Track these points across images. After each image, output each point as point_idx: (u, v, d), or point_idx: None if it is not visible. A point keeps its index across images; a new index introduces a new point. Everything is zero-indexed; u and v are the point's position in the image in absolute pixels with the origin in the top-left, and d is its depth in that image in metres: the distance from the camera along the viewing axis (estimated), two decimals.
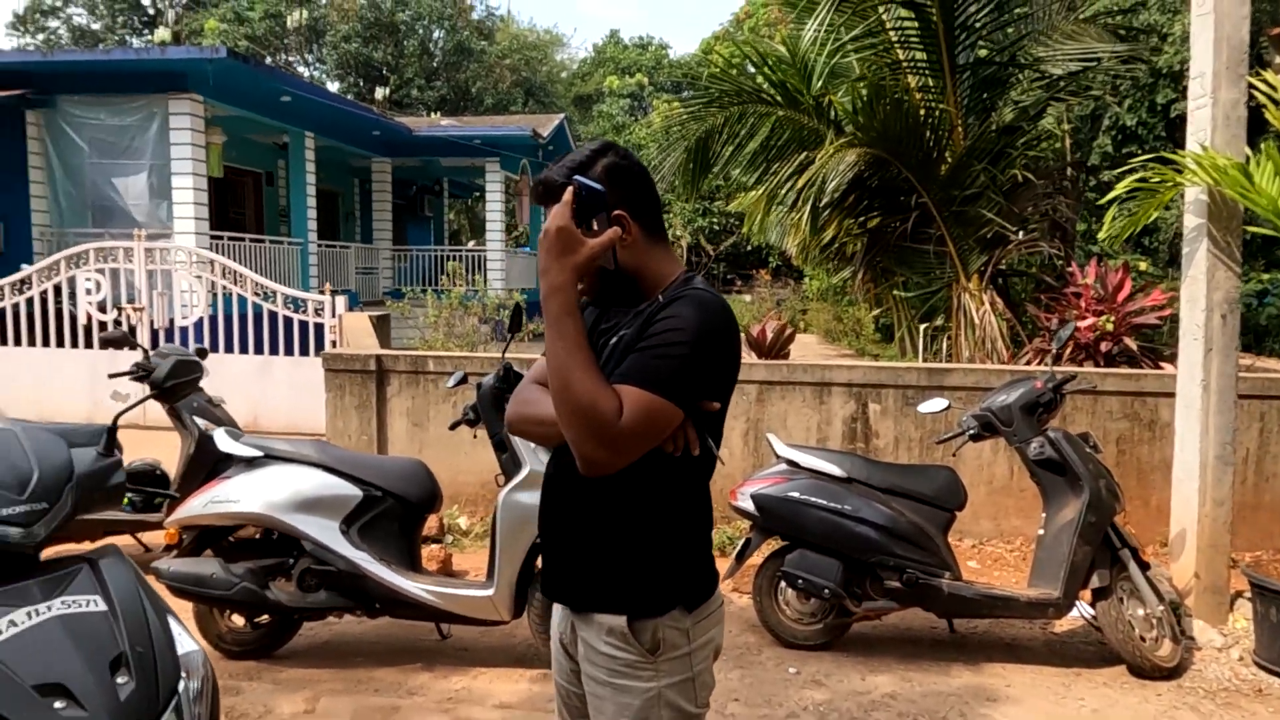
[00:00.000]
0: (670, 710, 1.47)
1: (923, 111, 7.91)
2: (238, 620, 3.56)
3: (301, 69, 32.05)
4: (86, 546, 4.64)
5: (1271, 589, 3.48)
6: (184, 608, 3.54)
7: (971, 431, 3.87)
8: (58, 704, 1.28)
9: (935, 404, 4.01)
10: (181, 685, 1.44)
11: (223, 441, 3.62)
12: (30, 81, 10.76)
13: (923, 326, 9.35)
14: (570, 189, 1.41)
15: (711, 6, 69.47)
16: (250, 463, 3.53)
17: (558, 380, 1.35)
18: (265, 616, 3.51)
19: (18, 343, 7.79)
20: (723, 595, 1.63)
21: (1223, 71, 3.83)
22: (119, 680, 1.36)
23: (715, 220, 24.48)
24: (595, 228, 1.42)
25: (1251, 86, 3.72)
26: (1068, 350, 7.08)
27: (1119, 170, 4.56)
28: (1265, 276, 13.25)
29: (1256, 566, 3.69)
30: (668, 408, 1.36)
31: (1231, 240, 3.91)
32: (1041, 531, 3.73)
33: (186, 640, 1.53)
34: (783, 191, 8.65)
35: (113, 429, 1.95)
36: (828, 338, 19.15)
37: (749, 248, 24.61)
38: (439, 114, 23.62)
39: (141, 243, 7.92)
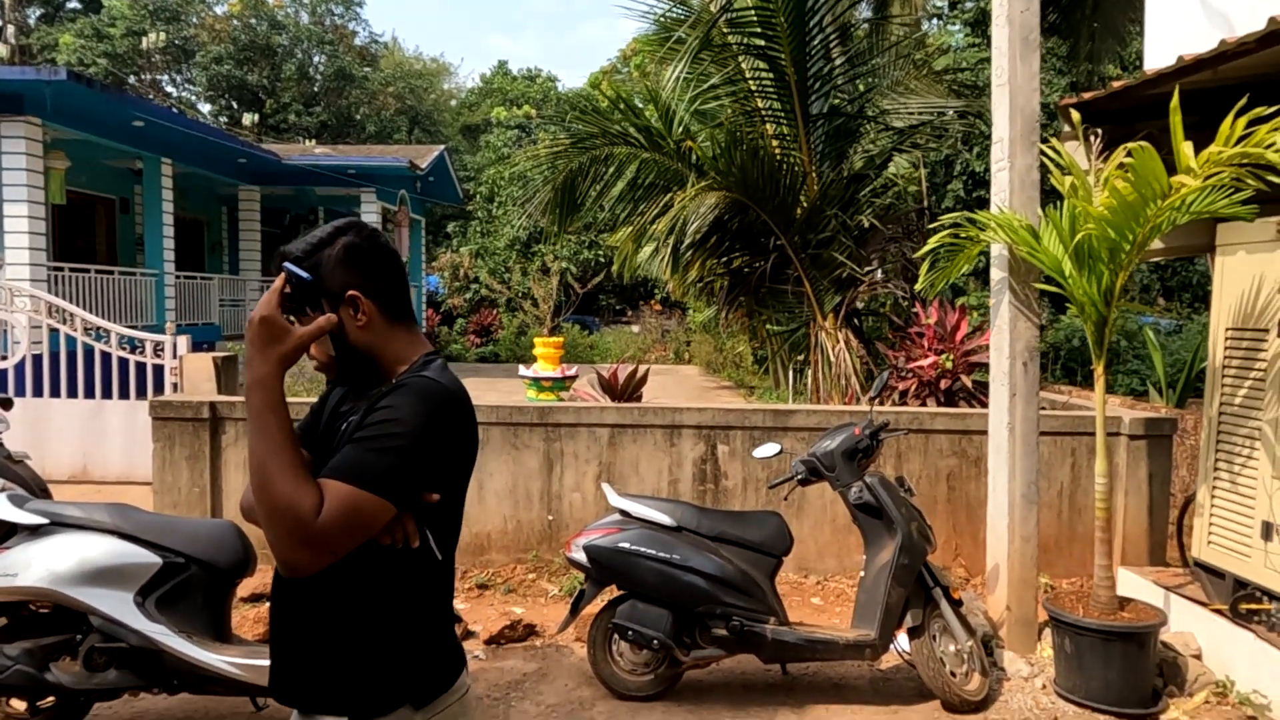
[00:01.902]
0: None
1: (779, 157, 8.25)
2: (17, 704, 3.25)
3: (170, 89, 30.52)
4: None
5: (1064, 620, 3.72)
6: None
7: (800, 476, 4.00)
8: None
9: (768, 449, 4.13)
10: None
11: (2, 508, 3.32)
12: None
13: (794, 360, 9.68)
14: (281, 276, 1.38)
15: (602, 41, 70.71)
16: (35, 530, 3.26)
17: (257, 479, 1.29)
18: (47, 699, 3.22)
19: None
20: (467, 684, 1.59)
21: (1018, 139, 4.16)
22: None
23: (601, 253, 24.67)
24: (309, 314, 1.38)
25: (1042, 153, 4.04)
26: (908, 387, 7.46)
27: (931, 226, 4.86)
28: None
29: (1056, 599, 3.93)
30: (374, 502, 1.32)
31: (1030, 294, 4.22)
32: (863, 573, 3.87)
33: None
34: (650, 229, 8.81)
35: None
36: (709, 369, 19.53)
37: (637, 279, 24.91)
38: (315, 141, 22.93)
39: None
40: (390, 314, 1.53)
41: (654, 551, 3.66)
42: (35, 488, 4.15)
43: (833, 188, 8.29)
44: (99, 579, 3.13)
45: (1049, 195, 4.32)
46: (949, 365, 7.52)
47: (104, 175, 13.70)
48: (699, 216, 8.05)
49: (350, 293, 1.47)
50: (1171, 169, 3.33)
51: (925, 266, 4.39)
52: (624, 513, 3.84)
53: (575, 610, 3.83)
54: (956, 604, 3.83)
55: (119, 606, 3.12)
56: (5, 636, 3.16)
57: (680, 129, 8.36)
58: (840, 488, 3.89)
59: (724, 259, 9.00)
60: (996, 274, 4.30)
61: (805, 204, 8.30)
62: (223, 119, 28.94)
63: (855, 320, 8.97)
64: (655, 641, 3.60)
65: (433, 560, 1.46)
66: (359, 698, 1.42)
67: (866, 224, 8.27)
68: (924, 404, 7.36)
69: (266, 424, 1.32)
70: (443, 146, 19.23)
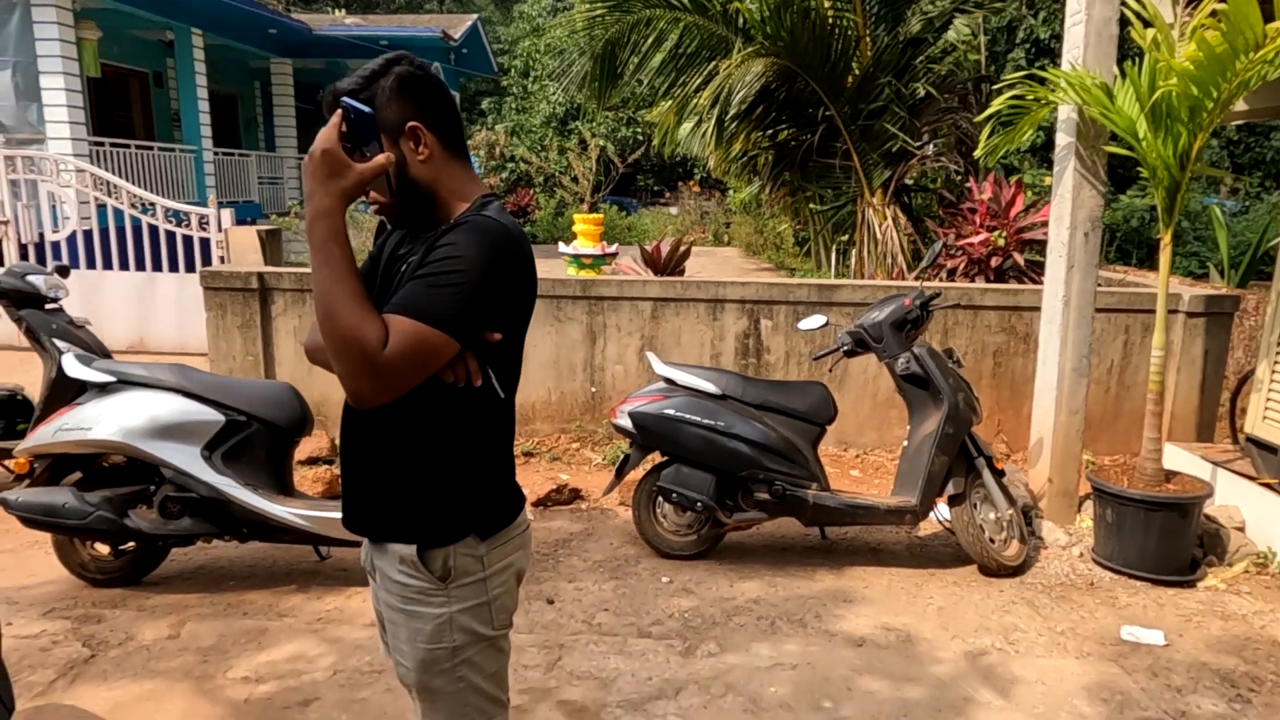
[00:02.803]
0: (463, 633, 1.50)
1: (831, 20, 7.80)
2: (101, 549, 3.48)
3: None
4: None
5: (1108, 491, 3.73)
6: (44, 538, 3.46)
7: (846, 348, 3.96)
8: None
9: (814, 321, 4.08)
10: None
11: (71, 366, 3.45)
12: None
13: (837, 240, 9.46)
14: (339, 111, 1.34)
15: None
16: (104, 388, 3.38)
17: (322, 309, 1.30)
18: (130, 545, 3.43)
19: None
20: (528, 520, 1.65)
21: None
22: None
23: (640, 130, 23.97)
24: (366, 154, 1.35)
25: (1123, 4, 3.74)
26: (956, 265, 7.28)
27: (995, 87, 4.59)
28: None
29: (1100, 471, 3.93)
30: (438, 339, 1.32)
31: (1097, 159, 4.01)
32: (906, 443, 3.89)
33: None
34: (693, 102, 8.49)
35: None
36: (749, 251, 19.23)
37: (676, 159, 24.27)
38: (345, 11, 22.18)
39: (1, 149, 7.32)
40: (449, 147, 1.49)
41: (699, 418, 3.70)
42: (98, 351, 4.28)
43: (887, 53, 7.85)
44: (167, 434, 3.26)
45: (1124, 54, 4.04)
46: (1000, 242, 7.30)
47: (136, 47, 13.47)
48: (745, 86, 7.71)
49: (410, 124, 1.43)
50: (1269, 17, 3.06)
51: (986, 131, 4.17)
52: (669, 381, 3.86)
53: (620, 474, 3.93)
54: (999, 474, 3.85)
55: (187, 459, 3.26)
56: (85, 486, 3.34)
57: None
58: (887, 359, 3.86)
59: (769, 132, 8.68)
60: (1063, 138, 4.08)
61: (857, 71, 7.90)
62: None
63: (905, 197, 8.69)
64: (699, 504, 3.70)
65: (495, 398, 1.48)
66: (427, 527, 1.47)
67: (921, 93, 7.86)
68: (973, 282, 7.20)
69: (330, 254, 1.31)
70: (475, 16, 18.50)
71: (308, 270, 5.87)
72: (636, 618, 3.27)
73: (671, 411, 3.73)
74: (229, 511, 3.29)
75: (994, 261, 7.27)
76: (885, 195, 8.01)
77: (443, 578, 1.48)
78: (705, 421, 3.69)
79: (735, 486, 3.76)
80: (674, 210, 25.29)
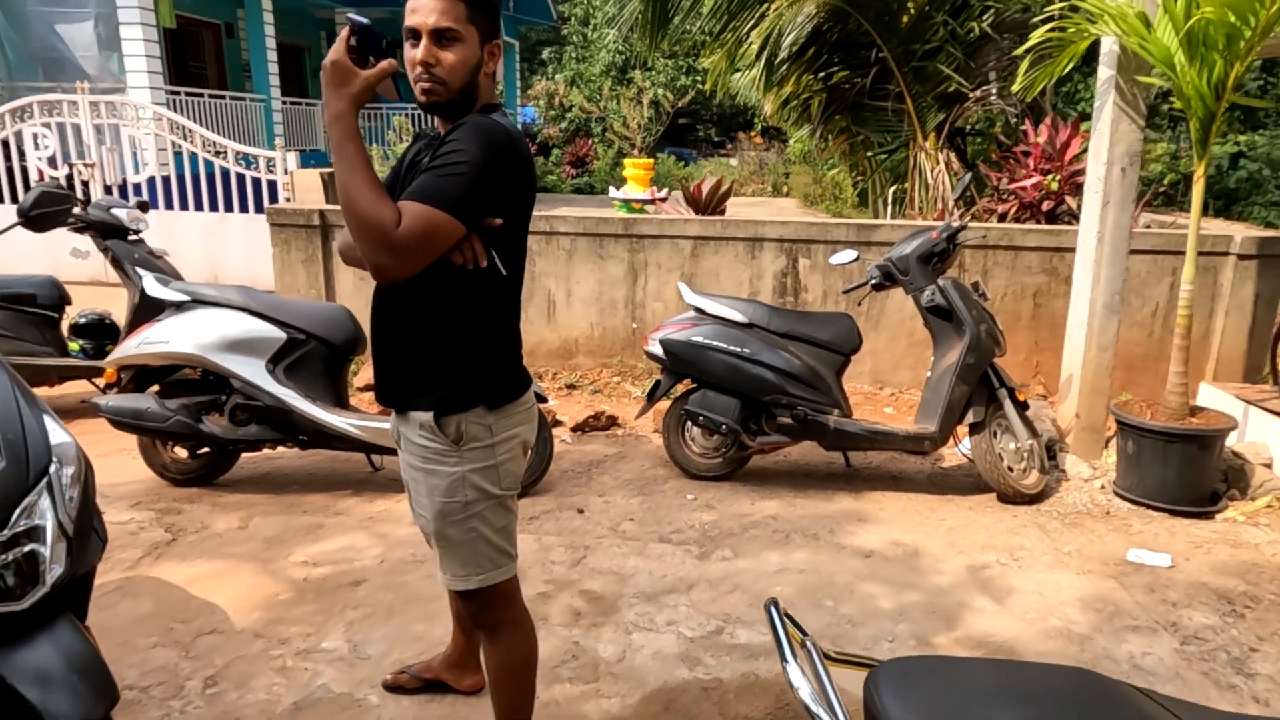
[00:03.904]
0: (474, 490, 1.73)
1: None
2: (180, 452, 3.85)
3: None
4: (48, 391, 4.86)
5: (1129, 423, 3.79)
6: (130, 441, 3.84)
7: (874, 281, 4.06)
8: None
9: (844, 256, 4.18)
10: (53, 469, 1.69)
11: (151, 286, 3.80)
12: None
13: (892, 189, 9.36)
14: (347, 27, 1.53)
15: None
16: (180, 306, 3.72)
17: (343, 197, 1.52)
18: (204, 449, 3.80)
19: None
20: (533, 397, 1.86)
21: None
22: None
23: (699, 79, 23.69)
24: (372, 62, 1.54)
25: None
26: (1007, 210, 7.18)
27: (1034, 20, 4.52)
28: (1242, 138, 13.08)
29: (1124, 405, 3.97)
30: (445, 219, 1.53)
31: (1137, 93, 3.97)
32: (929, 373, 3.99)
33: (60, 433, 1.77)
34: (744, 46, 8.45)
35: None
36: (806, 201, 19.00)
37: (736, 109, 23.96)
38: None
39: (85, 95, 7.78)
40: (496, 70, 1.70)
41: (725, 345, 3.86)
42: (174, 279, 4.64)
43: None
44: (235, 348, 3.59)
45: None
46: (1054, 186, 7.16)
47: None
48: (796, 27, 7.67)
49: (497, 40, 1.67)
50: None
51: (1024, 65, 4.15)
52: (699, 310, 4.03)
53: (651, 398, 4.13)
54: (1021, 406, 3.92)
55: (254, 371, 3.59)
56: (165, 395, 3.70)
57: None
58: (913, 291, 3.94)
59: (821, 74, 8.60)
60: (1104, 72, 4.04)
61: (911, 10, 7.75)
62: None
63: (959, 140, 8.55)
64: (724, 426, 3.89)
65: (499, 277, 1.68)
66: (442, 397, 1.70)
67: (978, 32, 7.68)
68: (1023, 225, 7.10)
69: (345, 150, 1.52)
70: None
71: None
72: (658, 527, 3.50)
73: (699, 338, 3.90)
74: (290, 420, 3.61)
75: (1045, 206, 7.14)
76: (938, 139, 7.91)
77: (456, 441, 1.71)
78: (731, 348, 3.85)
79: (760, 411, 3.93)
80: (734, 161, 25.03)
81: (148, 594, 2.87)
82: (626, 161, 10.59)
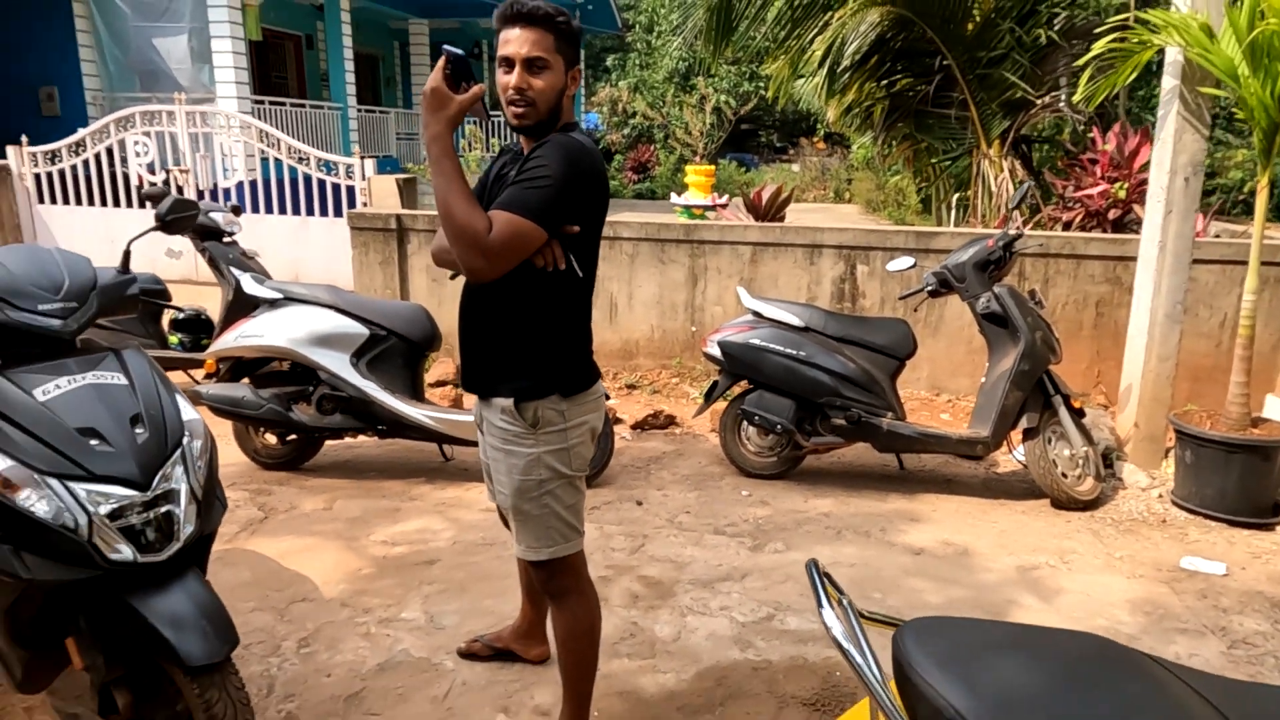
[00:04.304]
0: (547, 470, 1.92)
1: None
2: (270, 438, 4.16)
3: None
4: None
5: (1188, 432, 3.79)
6: (225, 427, 4.16)
7: (930, 288, 4.14)
8: (93, 442, 1.78)
9: (902, 262, 4.28)
10: (185, 440, 1.94)
11: (249, 286, 4.12)
12: None
13: (955, 196, 9.32)
14: (443, 56, 1.74)
15: None
16: (273, 304, 4.02)
17: (441, 208, 1.72)
18: (292, 435, 4.09)
19: (78, 202, 8.39)
20: (603, 389, 2.05)
21: None
22: (136, 431, 1.84)
23: (761, 84, 23.73)
24: (464, 88, 1.74)
25: None
26: (1072, 218, 7.13)
27: (1097, 30, 4.53)
28: None
29: (1184, 415, 3.97)
30: (530, 227, 1.73)
31: (1201, 103, 3.97)
32: (984, 379, 4.06)
33: (190, 411, 2.02)
34: (807, 54, 8.55)
35: (126, 254, 2.41)
36: (869, 207, 18.87)
37: (799, 115, 23.90)
38: None
39: (182, 106, 8.31)
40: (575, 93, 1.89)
41: (782, 348, 4.00)
42: (265, 278, 4.98)
43: None
44: (323, 342, 3.87)
45: None
46: (1121, 194, 7.08)
47: (290, 11, 14.57)
48: (859, 36, 7.72)
49: (578, 66, 1.87)
50: None
51: (1086, 75, 4.19)
52: (756, 314, 4.17)
53: (709, 398, 4.29)
54: (1078, 413, 3.95)
55: (339, 365, 3.86)
56: (259, 384, 4.01)
57: None
58: (969, 298, 4.02)
59: (884, 81, 8.63)
60: (1168, 82, 4.05)
61: (977, 18, 7.75)
62: None
63: (1024, 147, 8.48)
64: (779, 426, 4.02)
65: (575, 279, 1.87)
66: (521, 385, 1.90)
67: (1045, 40, 7.63)
68: (1087, 234, 7.02)
69: (443, 166, 1.73)
70: None
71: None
72: (714, 520, 3.65)
73: (756, 341, 4.04)
74: (371, 410, 3.88)
75: (1112, 214, 7.07)
76: (1003, 146, 7.87)
77: (533, 425, 1.90)
78: (787, 351, 3.98)
79: (814, 412, 4.05)
80: (795, 167, 24.97)
81: (245, 564, 3.15)
82: (688, 168, 10.77)
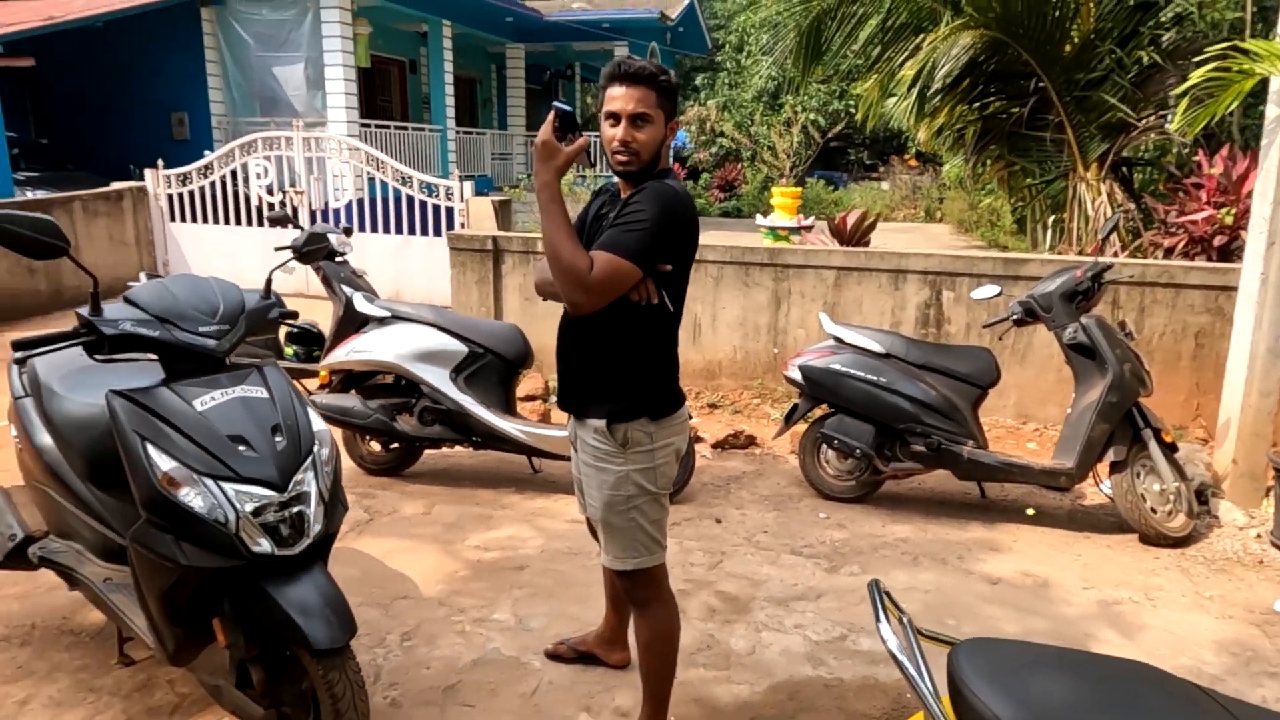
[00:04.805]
0: (635, 487, 2.08)
1: None
2: (375, 446, 4.47)
3: None
4: None
5: None
6: (335, 435, 4.50)
7: (1015, 317, 4.14)
8: (241, 448, 2.04)
9: (987, 290, 4.29)
10: (316, 448, 2.18)
11: (360, 304, 4.45)
12: None
13: (1052, 219, 9.12)
14: (552, 112, 1.93)
15: None
16: (382, 321, 4.34)
17: (548, 248, 1.92)
18: (395, 444, 4.39)
19: (204, 220, 9.09)
20: (687, 413, 2.20)
21: None
22: (276, 439, 2.09)
23: (851, 103, 23.55)
24: (570, 140, 1.93)
25: None
26: (1175, 244, 6.90)
27: (1195, 59, 4.44)
28: None
29: None
30: (627, 266, 1.91)
31: None
32: (1070, 410, 4.02)
33: (319, 422, 2.27)
34: (898, 77, 8.54)
35: (269, 281, 2.70)
36: (961, 227, 18.48)
37: (889, 133, 23.60)
38: None
39: (300, 132, 8.92)
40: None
41: (862, 373, 4.07)
42: (373, 296, 5.34)
43: (1110, 19, 7.48)
44: (426, 358, 4.15)
45: None
46: (1228, 220, 6.81)
47: (396, 39, 15.37)
48: (950, 59, 7.69)
49: (675, 119, 2.05)
50: None
51: (1183, 104, 4.12)
52: (838, 339, 4.25)
53: (789, 420, 4.38)
54: (1169, 447, 3.88)
55: (439, 379, 4.14)
56: (366, 396, 4.32)
57: None
58: (1055, 328, 4.00)
59: (976, 104, 8.55)
60: (1272, 110, 3.96)
61: (1075, 39, 7.61)
62: None
63: (1124, 170, 8.24)
64: (857, 451, 4.08)
65: (666, 312, 2.04)
66: (613, 407, 2.07)
67: (1147, 61, 7.42)
68: (1191, 261, 6.78)
69: (551, 211, 1.92)
70: None
71: (532, 235, 6.76)
72: (791, 540, 3.74)
73: (837, 366, 4.12)
74: (468, 423, 4.13)
75: (1217, 241, 6.80)
76: (1101, 169, 7.68)
77: (622, 445, 2.07)
78: (868, 376, 4.05)
79: (894, 438, 4.10)
80: (885, 185, 24.65)
81: (352, 562, 3.43)
82: (774, 189, 10.85)
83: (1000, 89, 8.24)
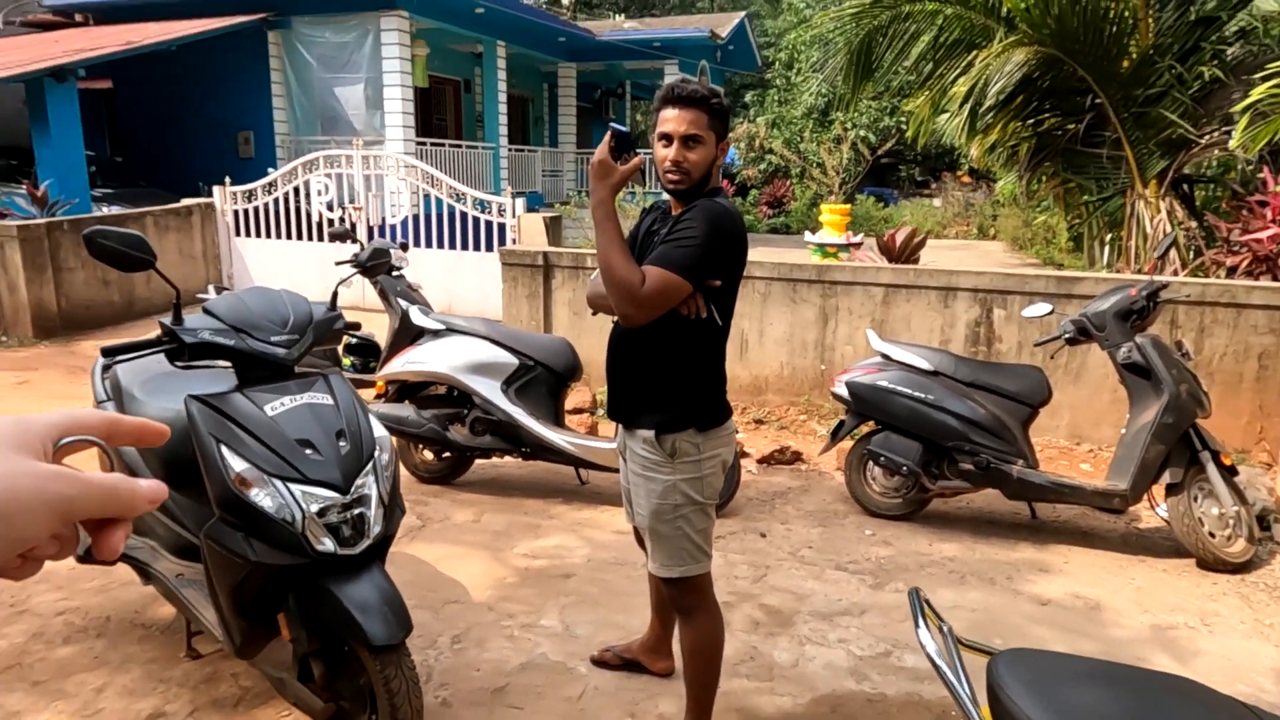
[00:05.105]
0: (682, 496, 2.14)
1: (1106, 6, 7.44)
2: (428, 454, 4.60)
3: None
4: None
5: None
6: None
7: (1068, 335, 4.10)
8: (307, 451, 2.15)
9: (1038, 309, 4.25)
10: (376, 453, 2.28)
11: (416, 317, 4.59)
12: (270, 5, 12.37)
13: (1112, 236, 8.95)
14: (609, 132, 2.01)
15: None
16: (436, 334, 4.48)
17: (602, 262, 1.99)
18: (447, 453, 4.51)
19: (268, 235, 9.43)
20: (734, 425, 2.25)
21: None
22: (340, 444, 2.20)
23: (903, 119, 23.37)
24: (625, 159, 2.01)
25: None
26: (1238, 263, 6.73)
27: (1258, 76, 4.35)
28: None
29: None
30: (678, 281, 1.97)
31: None
32: (1124, 430, 3.96)
33: (380, 429, 2.37)
34: (950, 92, 8.49)
35: (334, 295, 2.84)
36: (1015, 245, 18.16)
37: (937, 150, 23.35)
38: (624, 15, 23.88)
39: (359, 150, 9.21)
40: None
41: (909, 390, 4.06)
42: (428, 309, 5.50)
43: (1170, 34, 7.36)
44: (478, 370, 4.27)
45: None
46: None
47: (451, 59, 15.76)
48: (1004, 76, 7.63)
49: (726, 140, 2.12)
50: None
51: (1244, 120, 4.05)
52: (885, 356, 4.25)
53: (835, 437, 4.38)
54: (1229, 471, 3.79)
55: (491, 391, 4.24)
56: (420, 406, 4.45)
57: None
58: (1109, 347, 3.94)
59: (1029, 120, 8.45)
60: None
61: (1133, 55, 7.49)
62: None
63: (1184, 188, 8.06)
64: (904, 468, 4.07)
65: (714, 326, 2.10)
66: (662, 418, 2.13)
67: (1209, 76, 7.26)
68: (1256, 281, 6.59)
69: (606, 227, 2.00)
70: (743, 14, 19.22)
71: (581, 251, 6.87)
72: (835, 556, 3.75)
73: (884, 383, 4.12)
74: (517, 434, 4.23)
75: None
76: (1160, 187, 7.53)
77: (671, 455, 2.13)
78: (915, 394, 4.04)
79: (942, 456, 4.07)
80: (937, 202, 24.37)
81: (406, 566, 3.53)
82: (823, 206, 10.84)
83: (1055, 105, 8.14)
